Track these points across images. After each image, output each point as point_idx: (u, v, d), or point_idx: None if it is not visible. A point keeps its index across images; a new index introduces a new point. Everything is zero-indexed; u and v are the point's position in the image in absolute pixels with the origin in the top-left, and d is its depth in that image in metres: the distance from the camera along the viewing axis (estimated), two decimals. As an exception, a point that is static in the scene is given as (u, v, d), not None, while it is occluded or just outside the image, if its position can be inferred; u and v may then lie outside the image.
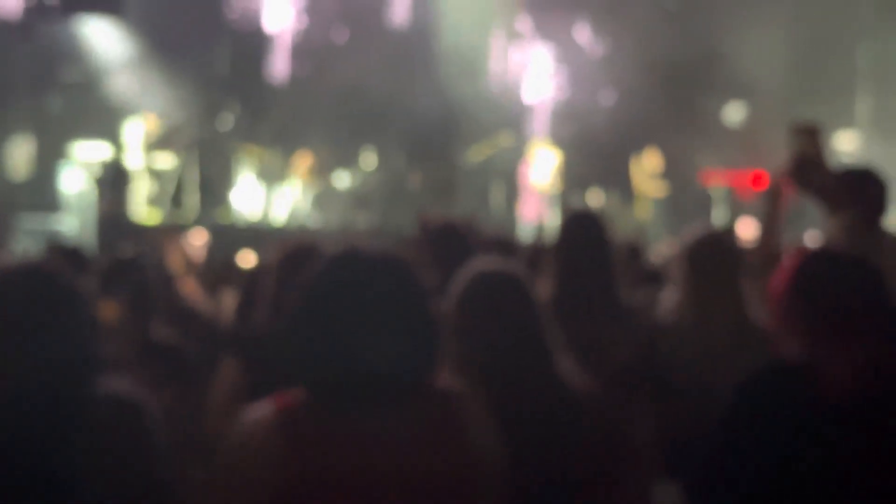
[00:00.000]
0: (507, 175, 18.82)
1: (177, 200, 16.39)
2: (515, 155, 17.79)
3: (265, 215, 17.35)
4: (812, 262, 2.87)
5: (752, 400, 2.86)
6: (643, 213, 18.48)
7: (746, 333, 3.90)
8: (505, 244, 6.35)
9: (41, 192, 15.85)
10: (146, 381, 3.61)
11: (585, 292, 4.23)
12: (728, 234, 4.17)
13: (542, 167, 15.84)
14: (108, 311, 3.53)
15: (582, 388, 3.15)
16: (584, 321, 3.43)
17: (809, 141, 3.48)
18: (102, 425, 2.61)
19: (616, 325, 4.26)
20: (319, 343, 2.38)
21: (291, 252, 4.43)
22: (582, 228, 4.51)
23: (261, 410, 2.47)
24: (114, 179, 15.32)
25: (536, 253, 5.68)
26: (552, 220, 15.49)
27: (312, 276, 2.48)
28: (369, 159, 18.22)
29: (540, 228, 15.48)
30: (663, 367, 3.98)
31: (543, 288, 4.46)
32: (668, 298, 4.27)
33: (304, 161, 17.60)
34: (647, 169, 18.53)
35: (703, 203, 19.64)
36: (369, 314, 2.39)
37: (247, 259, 9.23)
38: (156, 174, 16.69)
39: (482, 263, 3.36)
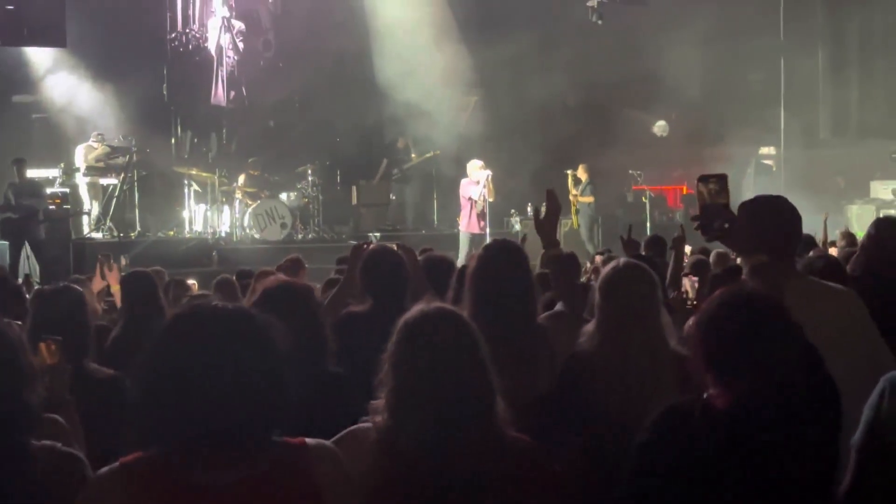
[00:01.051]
0: (445, 189, 18.91)
1: (119, 220, 16.25)
2: (453, 170, 17.84)
3: (208, 233, 17.29)
4: (714, 306, 2.94)
5: (658, 438, 2.92)
6: (576, 225, 18.64)
7: (661, 362, 3.85)
8: (440, 263, 6.41)
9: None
10: (83, 418, 3.59)
11: (501, 320, 4.09)
12: (643, 265, 4.11)
13: (478, 182, 15.86)
14: (46, 353, 3.46)
15: (514, 439, 3.00)
16: (499, 349, 3.35)
17: (716, 188, 3.47)
18: (40, 478, 2.57)
19: (533, 352, 4.22)
20: (162, 399, 2.30)
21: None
22: (500, 257, 4.45)
23: (108, 467, 2.40)
24: (57, 205, 15.13)
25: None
26: (490, 233, 15.56)
27: (159, 332, 2.39)
28: (308, 176, 18.23)
29: (478, 241, 15.52)
30: (581, 396, 3.92)
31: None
32: (587, 328, 4.15)
33: (245, 179, 17.57)
34: (584, 179, 18.67)
35: (637, 212, 19.82)
36: (212, 371, 2.29)
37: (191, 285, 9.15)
38: (99, 195, 16.57)
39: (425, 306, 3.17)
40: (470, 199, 16.03)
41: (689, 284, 6.35)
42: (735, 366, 2.84)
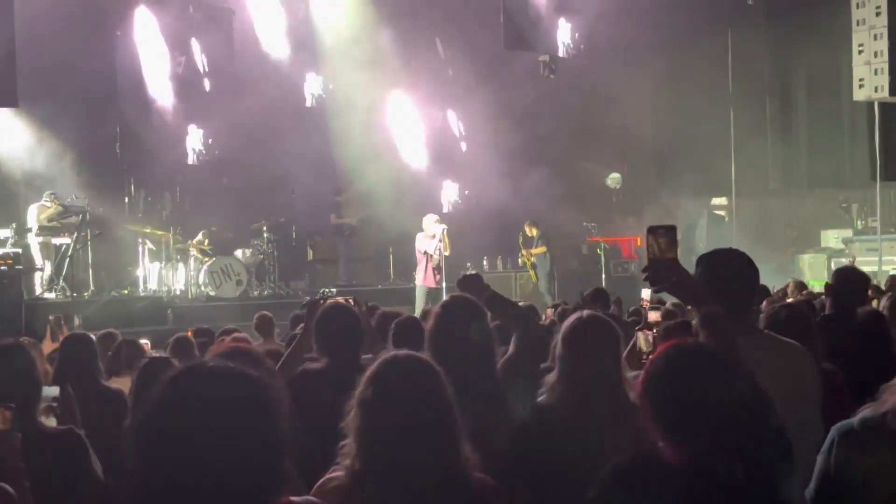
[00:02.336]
0: (401, 243, 18.95)
1: (72, 280, 16.10)
2: (408, 224, 17.84)
3: (163, 291, 17.18)
4: (660, 361, 2.95)
5: (609, 493, 2.95)
6: (534, 279, 18.77)
7: (622, 416, 3.81)
8: (392, 319, 6.44)
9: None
10: (36, 478, 3.55)
11: (462, 377, 4.13)
12: (606, 318, 4.14)
13: (433, 236, 15.89)
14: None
15: (480, 481, 3.09)
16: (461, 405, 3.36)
17: (665, 240, 3.49)
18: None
19: (494, 407, 4.22)
20: (159, 462, 2.23)
21: (147, 365, 4.38)
22: (458, 313, 4.50)
23: None
24: (9, 265, 14.96)
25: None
26: (446, 287, 15.54)
27: (155, 393, 2.32)
28: (264, 233, 18.23)
29: (434, 296, 15.52)
30: (540, 449, 3.93)
31: None
32: (549, 378, 4.17)
33: (200, 237, 17.54)
34: (534, 235, 18.90)
35: (592, 263, 19.97)
36: (207, 434, 2.22)
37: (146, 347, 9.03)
38: (52, 255, 16.42)
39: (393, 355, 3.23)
40: (426, 253, 16.07)
41: (642, 339, 6.37)
42: (683, 423, 2.84)
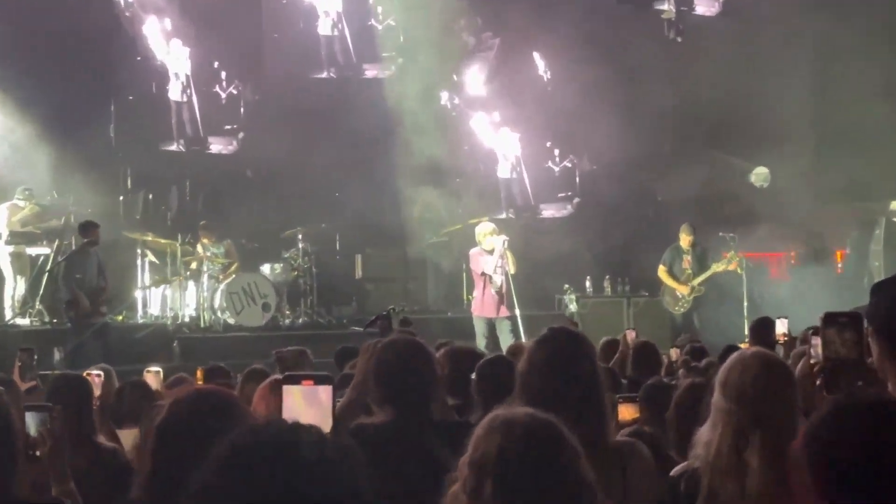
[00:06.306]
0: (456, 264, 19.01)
1: (51, 302, 16.21)
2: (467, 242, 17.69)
3: (168, 317, 17.31)
4: (827, 419, 2.87)
5: None
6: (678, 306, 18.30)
7: (603, 455, 4.02)
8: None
9: None
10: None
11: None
12: (779, 358, 4.19)
13: (491, 251, 15.63)
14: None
15: None
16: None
17: (850, 334, 3.44)
18: None
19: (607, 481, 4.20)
20: None
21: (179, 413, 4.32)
22: (558, 352, 4.54)
23: None
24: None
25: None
26: (519, 315, 15.38)
27: (213, 463, 2.32)
28: (299, 243, 18.26)
29: (494, 328, 15.43)
30: None
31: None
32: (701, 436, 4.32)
33: (225, 249, 17.63)
34: (689, 247, 18.38)
35: (732, 286, 19.71)
36: None
37: (154, 379, 9.02)
38: (26, 269, 16.56)
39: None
40: (483, 274, 15.75)
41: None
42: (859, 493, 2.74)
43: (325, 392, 3.99)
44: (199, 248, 17.57)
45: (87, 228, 15.29)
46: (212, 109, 20.02)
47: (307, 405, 3.97)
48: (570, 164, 22.41)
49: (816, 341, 6.47)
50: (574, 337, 4.67)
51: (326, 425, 3.81)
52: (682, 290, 17.79)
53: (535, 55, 22.23)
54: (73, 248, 16.45)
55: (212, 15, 19.75)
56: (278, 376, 5.35)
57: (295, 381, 3.99)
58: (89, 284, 15.11)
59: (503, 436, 3.19)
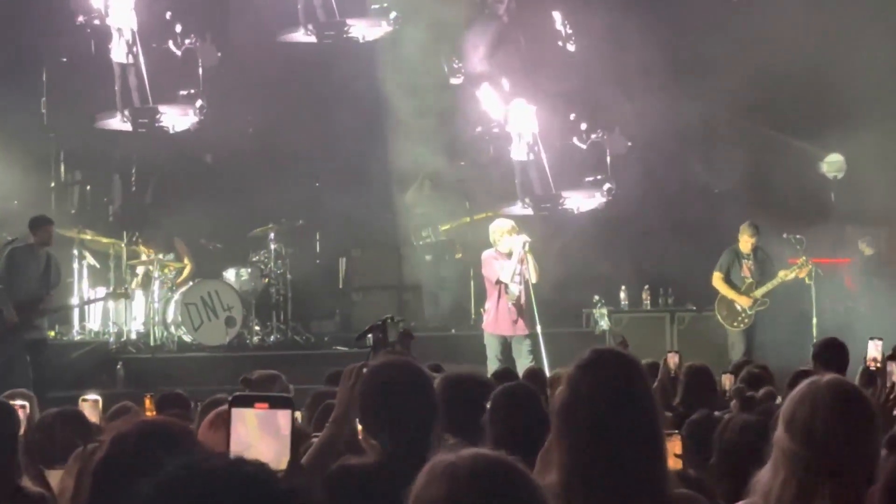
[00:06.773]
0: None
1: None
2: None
3: (111, 332, 17.33)
4: None
5: None
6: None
7: None
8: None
9: None
10: None
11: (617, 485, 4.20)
12: (857, 388, 4.22)
13: (509, 254, 15.39)
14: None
15: None
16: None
17: None
18: None
19: None
20: None
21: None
22: (607, 381, 4.39)
23: None
24: None
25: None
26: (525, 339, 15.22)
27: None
28: (271, 244, 18.30)
29: (505, 348, 15.28)
30: None
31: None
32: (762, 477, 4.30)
33: (176, 251, 17.67)
34: (749, 251, 18.37)
35: (798, 296, 19.71)
36: None
37: (91, 409, 9.05)
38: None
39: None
40: (497, 282, 15.44)
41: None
42: None
43: (283, 418, 3.90)
44: (144, 256, 17.52)
45: (37, 224, 15.33)
46: (163, 70, 19.91)
47: (262, 433, 3.90)
48: (599, 140, 22.30)
49: (892, 368, 6.55)
50: (626, 361, 4.47)
51: (283, 460, 3.79)
52: (743, 303, 17.66)
53: (555, 13, 22.28)
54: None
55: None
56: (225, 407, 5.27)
57: (246, 403, 3.91)
58: (26, 291, 15.13)
59: (447, 485, 3.07)
